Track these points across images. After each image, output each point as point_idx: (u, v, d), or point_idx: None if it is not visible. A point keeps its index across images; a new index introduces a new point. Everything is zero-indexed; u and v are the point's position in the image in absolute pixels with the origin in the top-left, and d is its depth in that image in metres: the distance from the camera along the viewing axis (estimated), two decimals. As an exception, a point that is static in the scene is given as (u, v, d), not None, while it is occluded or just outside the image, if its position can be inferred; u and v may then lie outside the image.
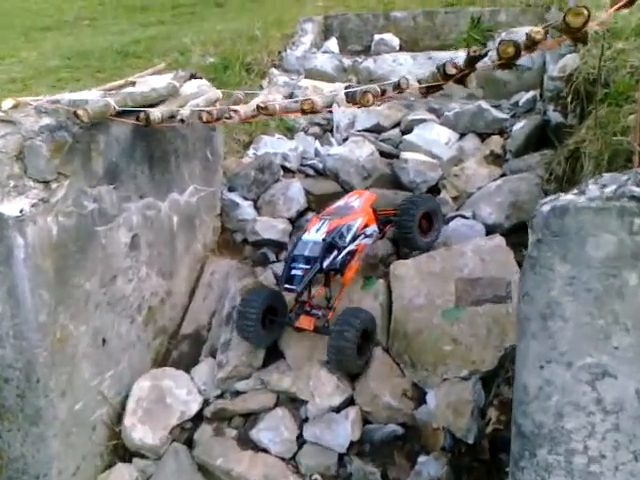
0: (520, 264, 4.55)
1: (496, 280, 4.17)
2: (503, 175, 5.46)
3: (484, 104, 5.93)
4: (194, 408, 4.29)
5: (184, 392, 4.33)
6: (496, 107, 6.30)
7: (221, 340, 4.57)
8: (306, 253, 4.17)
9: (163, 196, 4.73)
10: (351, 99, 3.30)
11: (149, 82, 4.96)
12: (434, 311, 4.16)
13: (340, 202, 4.76)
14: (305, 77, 7.30)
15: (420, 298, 4.26)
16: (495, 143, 5.71)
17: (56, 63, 6.77)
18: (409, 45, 7.70)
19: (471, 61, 3.14)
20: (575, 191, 2.40)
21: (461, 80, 3.51)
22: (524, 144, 5.56)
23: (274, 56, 7.22)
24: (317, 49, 7.75)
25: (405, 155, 5.38)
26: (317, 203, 5.66)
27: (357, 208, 4.56)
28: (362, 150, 5.79)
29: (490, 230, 4.83)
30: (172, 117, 3.88)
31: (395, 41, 7.63)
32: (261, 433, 3.99)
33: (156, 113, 3.70)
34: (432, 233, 4.73)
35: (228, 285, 5.06)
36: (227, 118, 3.51)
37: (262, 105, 3.42)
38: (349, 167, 5.70)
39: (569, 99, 5.48)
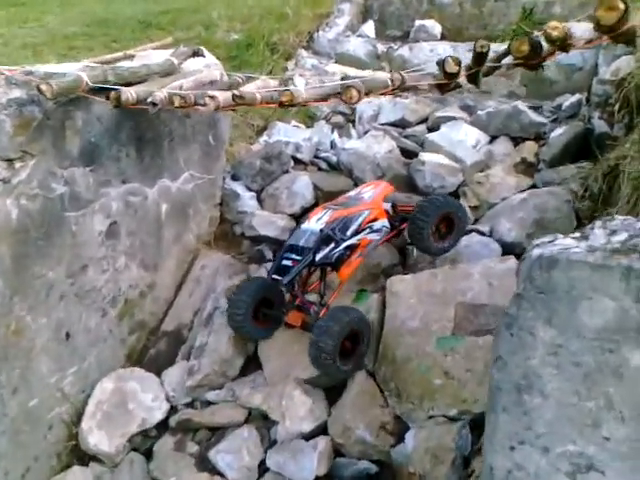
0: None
1: (502, 309, 3.62)
2: (533, 187, 4.87)
3: (521, 105, 5.32)
4: (157, 416, 3.96)
5: (149, 397, 4.00)
6: (536, 109, 5.68)
7: (196, 343, 4.21)
8: (301, 243, 3.78)
9: (151, 182, 4.38)
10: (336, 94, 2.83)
11: (150, 57, 4.59)
12: (428, 337, 3.69)
13: (352, 192, 4.36)
14: (336, 62, 6.81)
15: (415, 321, 3.79)
16: (529, 149, 5.11)
17: (75, 30, 6.47)
18: (452, 34, 7.09)
19: (478, 59, 2.62)
20: (577, 234, 1.89)
21: (474, 79, 3.01)
22: (561, 153, 4.95)
23: (303, 37, 6.74)
24: (352, 32, 7.23)
25: (424, 156, 4.85)
26: (325, 200, 5.18)
27: (367, 199, 4.12)
28: (381, 146, 5.30)
29: (508, 249, 4.29)
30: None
31: (437, 28, 7.04)
32: (220, 455, 3.62)
33: (129, 93, 3.30)
34: (449, 239, 4.19)
35: (216, 282, 4.69)
36: (202, 105, 3.08)
37: (237, 94, 2.99)
38: (364, 164, 5.22)
39: (617, 107, 4.84)
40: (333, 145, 5.66)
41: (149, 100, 3.23)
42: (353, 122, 6.08)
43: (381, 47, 6.77)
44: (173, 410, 4.08)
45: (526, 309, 1.78)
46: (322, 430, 3.65)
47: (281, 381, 3.89)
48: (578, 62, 5.99)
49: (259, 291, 3.99)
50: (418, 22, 7.10)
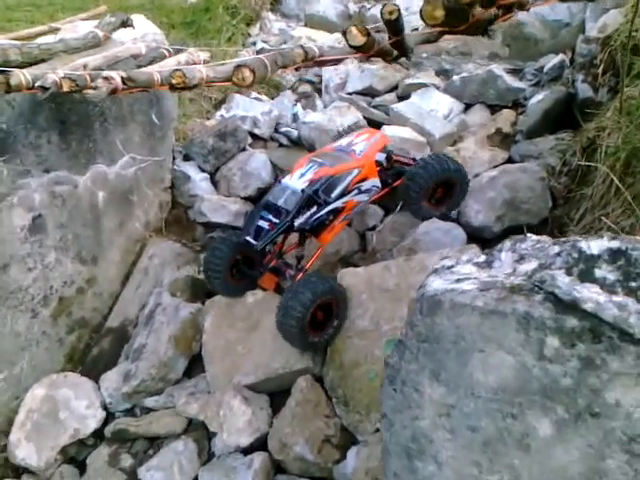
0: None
1: (460, 307, 3.26)
2: (509, 161, 4.42)
3: (497, 69, 4.83)
4: (91, 425, 3.66)
5: (83, 404, 3.70)
6: (517, 72, 5.18)
7: (135, 345, 3.88)
8: (280, 202, 3.38)
9: (82, 169, 4.00)
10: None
11: (77, 29, 4.17)
12: (378, 339, 3.32)
13: (343, 140, 3.88)
14: (305, 24, 6.29)
15: (365, 320, 3.42)
16: (505, 119, 4.64)
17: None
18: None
19: (391, 27, 2.17)
20: (482, 258, 1.49)
21: (402, 51, 2.55)
22: (540, 123, 4.48)
23: (268, -2, 6.21)
24: (323, -9, 6.66)
25: (386, 130, 4.40)
26: (285, 180, 4.79)
27: (358, 154, 3.64)
28: (344, 118, 4.84)
29: (475, 235, 3.89)
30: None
31: (415, -16, 6.45)
32: (150, 473, 3.32)
33: (21, 76, 2.89)
34: (445, 205, 3.87)
35: (164, 273, 4.34)
36: (93, 88, 2.67)
37: (126, 76, 2.57)
38: (326, 137, 4.79)
39: (601, 69, 4.33)
40: (296, 118, 5.21)
41: (37, 84, 2.81)
42: (320, 91, 5.61)
43: (353, 7, 6.23)
44: (111, 417, 3.78)
45: (409, 360, 1.40)
46: (263, 443, 3.33)
47: (224, 386, 3.56)
48: (565, 17, 5.45)
49: (235, 249, 3.68)
50: (393, -23, 6.51)
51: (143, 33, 4.40)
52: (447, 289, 1.32)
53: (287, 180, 3.48)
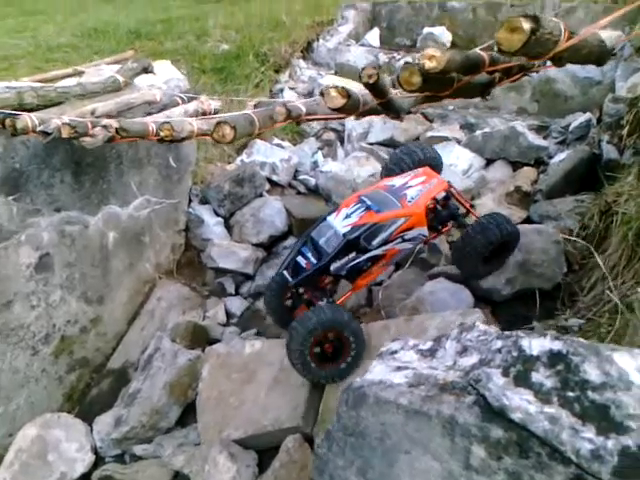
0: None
1: (457, 375, 3.10)
2: (527, 221, 4.28)
3: (520, 126, 4.72)
4: (79, 470, 3.61)
5: (74, 447, 3.66)
6: (543, 129, 5.06)
7: (130, 389, 3.83)
8: (321, 242, 3.30)
9: (94, 209, 4.05)
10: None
11: (102, 73, 4.28)
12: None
13: (399, 179, 3.63)
14: (335, 73, 6.33)
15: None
16: (525, 177, 4.51)
17: (63, 40, 6.26)
18: (464, 42, 6.48)
19: (374, 90, 2.12)
20: (428, 345, 1.39)
21: (395, 113, 2.49)
22: (561, 183, 4.34)
23: (297, 46, 6.29)
24: (356, 41, 6.72)
25: (400, 184, 4.31)
26: (298, 228, 4.77)
27: (409, 201, 3.43)
28: (362, 169, 4.80)
29: (483, 297, 3.74)
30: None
31: (446, 36, 6.45)
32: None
33: (28, 119, 2.95)
34: (495, 264, 3.67)
35: (169, 317, 4.32)
36: (90, 136, 2.70)
37: (117, 126, 2.58)
38: (343, 188, 4.76)
39: (626, 130, 4.19)
40: (316, 166, 5.20)
41: (39, 129, 2.87)
42: (343, 140, 5.60)
43: (383, 57, 6.24)
44: (101, 462, 3.72)
45: (336, 453, 1.30)
46: (245, 504, 3.20)
47: (213, 439, 3.47)
48: (596, 75, 5.32)
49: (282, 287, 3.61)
50: (426, 29, 6.53)
51: (167, 79, 4.49)
52: (374, 382, 1.23)
53: (332, 218, 3.36)
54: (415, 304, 3.65)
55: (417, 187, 3.53)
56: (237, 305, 4.40)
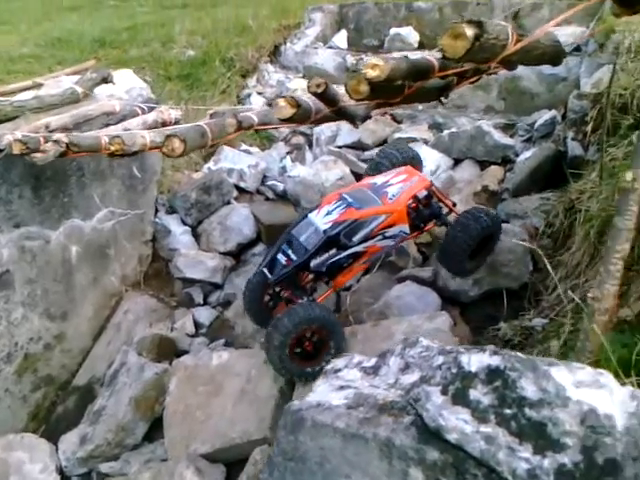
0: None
1: (425, 380, 3.07)
2: (495, 219, 4.25)
3: (485, 125, 4.72)
4: (44, 490, 3.50)
5: (37, 468, 3.57)
6: (510, 127, 5.06)
7: (95, 406, 3.75)
8: (301, 238, 3.28)
9: (55, 223, 3.96)
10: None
11: (61, 84, 4.19)
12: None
13: (380, 177, 3.65)
14: (303, 76, 6.29)
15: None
16: (492, 176, 4.50)
17: (26, 51, 6.13)
18: (431, 42, 6.45)
19: (322, 99, 2.07)
20: (372, 362, 1.35)
21: (346, 117, 2.43)
22: (528, 181, 4.33)
23: (264, 51, 6.24)
24: (324, 43, 6.68)
25: (367, 187, 4.28)
26: (267, 235, 4.71)
27: (390, 198, 3.44)
28: (330, 172, 4.76)
29: (452, 298, 3.72)
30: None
31: (413, 36, 6.43)
32: None
33: (-25, 136, 2.86)
34: (482, 256, 3.64)
35: (136, 330, 4.24)
36: (41, 152, 2.62)
37: (66, 141, 2.50)
38: (312, 193, 4.71)
39: (590, 126, 4.19)
40: (284, 171, 5.15)
41: (-13, 146, 2.79)
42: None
43: (351, 59, 6.21)
44: (67, 481, 3.63)
45: (277, 479, 1.25)
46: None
47: (180, 454, 3.40)
48: (561, 72, 5.32)
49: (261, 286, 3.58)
50: (393, 30, 6.51)
51: (128, 88, 4.41)
52: (312, 404, 1.19)
53: (313, 215, 3.36)
54: (382, 309, 3.63)
55: (398, 185, 3.54)
56: (205, 315, 4.34)
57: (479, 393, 1.09)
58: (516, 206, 4.18)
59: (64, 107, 3.74)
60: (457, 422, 1.05)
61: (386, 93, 2.05)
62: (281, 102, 2.13)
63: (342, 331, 3.25)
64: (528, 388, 1.06)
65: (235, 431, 3.31)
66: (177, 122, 3.55)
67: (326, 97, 2.15)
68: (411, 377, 1.22)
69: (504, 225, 3.93)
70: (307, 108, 2.26)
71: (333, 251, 3.27)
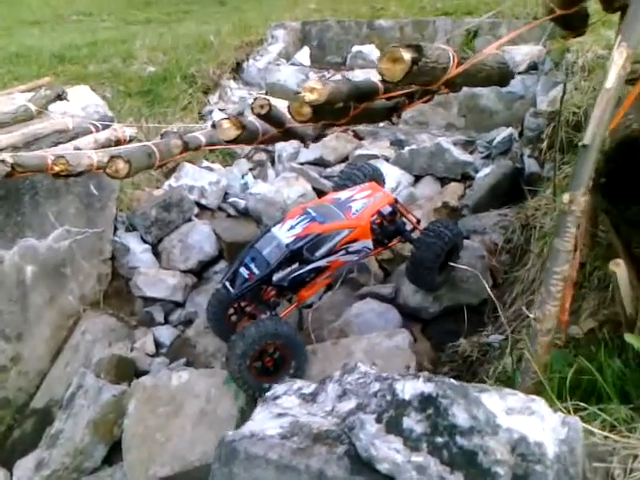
0: (436, 369, 3.46)
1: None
2: (455, 236, 4.29)
3: (445, 142, 4.78)
4: (-4, 520, 3.39)
5: (-9, 496, 3.45)
6: (470, 144, 5.14)
7: (52, 430, 3.65)
8: (264, 252, 3.26)
9: (8, 243, 3.87)
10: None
11: (15, 101, 4.11)
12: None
13: (344, 193, 3.69)
14: (267, 93, 6.29)
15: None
16: (452, 192, 4.55)
17: (-18, 67, 6.04)
18: (393, 59, 6.52)
19: (267, 120, 2.07)
20: (311, 388, 1.33)
21: (296, 137, 2.45)
22: (487, 197, 4.40)
23: (226, 67, 6.23)
24: (286, 60, 6.71)
25: (328, 204, 4.28)
26: (229, 252, 4.68)
27: (353, 213, 3.46)
28: (292, 189, 4.76)
29: (411, 316, 3.73)
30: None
31: (375, 54, 6.50)
32: None
33: None
34: (448, 270, 3.65)
35: (95, 350, 4.16)
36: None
37: (11, 161, 2.46)
38: (274, 210, 4.70)
39: (546, 143, 4.28)
40: (246, 188, 5.13)
41: None
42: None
43: (313, 76, 6.24)
44: (23, 509, 3.52)
45: (214, 514, 1.22)
46: None
47: (140, 477, 3.33)
48: (519, 90, 5.43)
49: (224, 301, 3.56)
50: (355, 48, 6.58)
51: (84, 105, 4.35)
52: (245, 435, 1.17)
53: (276, 229, 3.36)
54: (342, 327, 3.62)
55: (362, 200, 3.57)
56: (166, 334, 4.28)
57: (412, 421, 1.09)
58: (476, 222, 4.24)
59: (16, 125, 3.67)
60: (389, 452, 1.05)
61: (330, 115, 2.06)
62: (225, 123, 2.12)
63: (305, 352, 3.26)
64: (459, 416, 1.06)
65: (194, 453, 3.26)
66: (132, 140, 3.51)
67: (271, 118, 2.15)
68: (348, 404, 1.21)
69: (464, 241, 3.98)
70: (253, 129, 2.26)
71: (296, 265, 3.27)
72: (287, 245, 3.22)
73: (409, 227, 3.78)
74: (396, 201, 3.76)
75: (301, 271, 3.29)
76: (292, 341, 3.15)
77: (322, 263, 3.34)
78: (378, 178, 4.09)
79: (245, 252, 3.37)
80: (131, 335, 4.29)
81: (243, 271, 3.27)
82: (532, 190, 4.14)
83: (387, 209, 3.65)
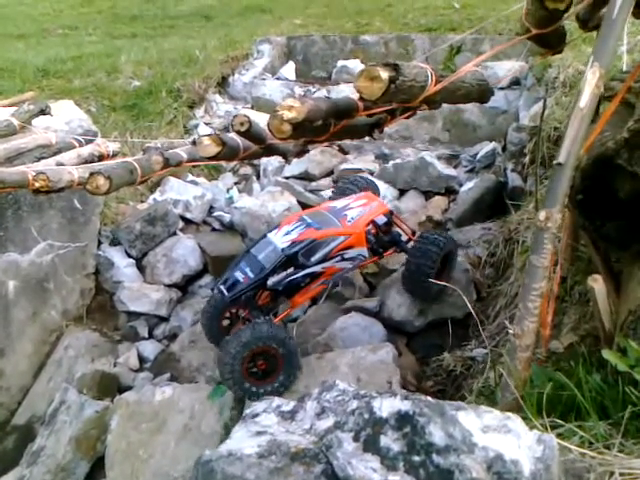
0: (420, 383, 3.47)
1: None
2: (440, 249, 4.31)
3: (429, 156, 4.81)
4: (-26, 540, 3.33)
5: (-31, 516, 3.38)
6: (454, 158, 5.18)
7: (33, 447, 3.61)
8: (260, 257, 3.29)
9: (-11, 258, 3.82)
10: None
11: (-2, 115, 4.09)
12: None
13: (340, 202, 3.76)
14: (252, 107, 6.31)
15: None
16: (436, 206, 4.58)
17: (-35, 81, 6.01)
18: (378, 74, 6.57)
19: (249, 137, 2.08)
20: (290, 406, 1.33)
21: (277, 153, 2.47)
22: (471, 211, 4.43)
23: (212, 81, 6.25)
24: (272, 74, 6.74)
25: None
26: (214, 266, 4.67)
27: (349, 221, 3.53)
28: (277, 203, 4.76)
29: (395, 330, 3.74)
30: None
31: (360, 68, 6.53)
32: None
33: None
34: (444, 277, 3.64)
35: (78, 366, 4.12)
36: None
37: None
38: (259, 224, 4.70)
39: (527, 159, 4.33)
40: (232, 202, 5.13)
41: None
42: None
43: (299, 90, 6.28)
44: (3, 529, 3.46)
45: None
46: None
47: (122, 495, 3.29)
48: (502, 105, 5.50)
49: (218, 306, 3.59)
50: (340, 62, 6.63)
51: (68, 119, 4.34)
52: (222, 455, 1.16)
53: (272, 235, 3.40)
54: (327, 340, 3.62)
55: (358, 209, 3.64)
56: (150, 349, 4.25)
57: (389, 440, 1.09)
58: (460, 236, 4.26)
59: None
60: (366, 471, 1.05)
61: (310, 132, 2.07)
62: (205, 140, 2.13)
63: (298, 358, 3.27)
64: (436, 434, 1.06)
65: (177, 470, 3.23)
66: (115, 155, 3.51)
67: (252, 135, 2.16)
68: (326, 422, 1.21)
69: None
70: (234, 146, 2.27)
71: (291, 270, 3.30)
72: (283, 249, 3.26)
73: (404, 238, 3.82)
74: (391, 212, 3.82)
75: (296, 276, 3.31)
76: (285, 345, 3.15)
77: (317, 269, 3.38)
78: (373, 190, 4.13)
79: (240, 257, 3.41)
80: (114, 350, 4.26)
81: (238, 275, 3.28)
82: (515, 204, 4.18)
83: (382, 219, 3.70)
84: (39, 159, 3.23)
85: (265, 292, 3.38)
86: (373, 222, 3.63)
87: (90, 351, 4.20)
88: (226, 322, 3.68)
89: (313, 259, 3.34)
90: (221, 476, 1.13)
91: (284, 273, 3.27)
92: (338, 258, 3.44)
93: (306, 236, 3.32)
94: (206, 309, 3.64)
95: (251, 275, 3.23)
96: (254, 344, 3.05)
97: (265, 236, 3.43)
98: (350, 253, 3.49)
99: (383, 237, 3.69)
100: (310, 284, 3.43)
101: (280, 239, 3.33)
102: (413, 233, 3.88)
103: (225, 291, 3.24)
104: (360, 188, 4.08)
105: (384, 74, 1.61)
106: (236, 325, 3.62)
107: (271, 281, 3.24)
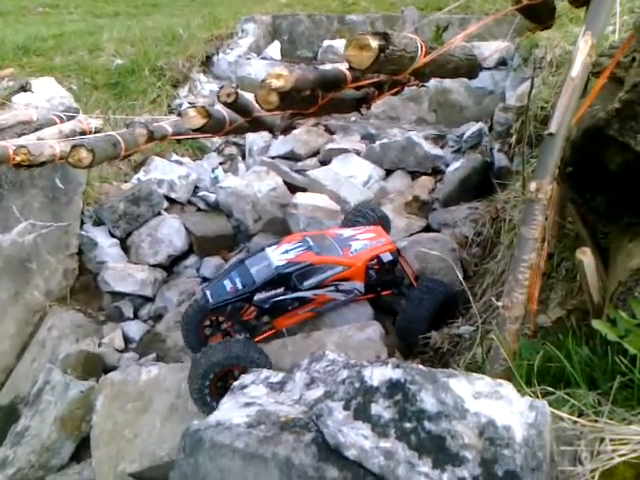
0: (407, 360, 3.47)
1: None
2: (427, 229, 4.33)
3: (415, 136, 4.79)
4: (-41, 521, 3.31)
5: (-47, 497, 3.35)
6: (440, 138, 5.16)
7: (17, 427, 3.57)
8: (252, 270, 3.25)
9: (-30, 237, 3.75)
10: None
11: (-23, 91, 3.99)
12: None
13: (349, 231, 3.67)
14: (237, 86, 6.21)
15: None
16: (422, 186, 4.57)
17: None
18: (364, 54, 6.51)
19: (236, 109, 2.04)
20: (279, 377, 1.31)
21: (264, 127, 2.43)
22: (457, 190, 4.42)
23: (195, 60, 6.15)
24: (257, 54, 6.66)
25: (298, 198, 4.28)
26: (199, 246, 4.63)
27: (351, 252, 3.44)
28: (262, 183, 4.72)
29: (385, 308, 3.73)
30: None
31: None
32: None
33: None
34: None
35: (61, 347, 4.07)
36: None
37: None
38: (244, 204, 4.66)
39: (514, 138, 4.32)
40: (217, 182, 5.07)
41: None
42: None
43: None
44: (-13, 509, 3.43)
45: (180, 506, 1.19)
46: None
47: (108, 474, 3.27)
48: (489, 85, 5.48)
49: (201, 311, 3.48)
50: (326, 42, 6.56)
51: (49, 96, 4.26)
52: (211, 424, 1.14)
53: (270, 250, 3.36)
54: (314, 320, 3.60)
55: (363, 241, 3.54)
56: (135, 329, 4.22)
57: (380, 407, 1.08)
58: (446, 216, 4.26)
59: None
60: (357, 438, 1.03)
61: (298, 103, 2.04)
62: (191, 112, 2.09)
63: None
64: (427, 401, 1.05)
65: (164, 449, 3.21)
66: (97, 131, 3.44)
67: (238, 107, 2.12)
68: (315, 392, 1.19)
69: (434, 234, 4.01)
70: (220, 118, 2.23)
71: (281, 290, 3.26)
72: (277, 267, 3.22)
73: (406, 282, 3.68)
74: (398, 251, 3.69)
75: (285, 297, 3.27)
76: (259, 365, 2.99)
77: (308, 294, 3.33)
78: (384, 225, 3.96)
79: (233, 265, 3.38)
80: (99, 331, 4.22)
81: (227, 283, 3.25)
82: (502, 184, 4.17)
83: (388, 257, 3.54)
84: (20, 135, 3.16)
85: (252, 307, 3.33)
86: (378, 258, 3.50)
87: (74, 332, 4.16)
88: (207, 330, 3.56)
89: (306, 283, 3.29)
90: (209, 445, 1.12)
91: (273, 292, 3.24)
92: (332, 288, 3.39)
93: (303, 259, 3.28)
94: (187, 313, 3.53)
95: (239, 287, 3.20)
96: (225, 364, 2.96)
97: (263, 250, 3.39)
98: (345, 285, 3.43)
99: (385, 276, 3.57)
100: (298, 309, 3.38)
101: (277, 256, 3.29)
102: (416, 278, 3.71)
103: (210, 297, 3.20)
104: (371, 222, 3.92)
105: (374, 42, 1.59)
106: (215, 336, 3.52)
107: (258, 297, 3.21)
